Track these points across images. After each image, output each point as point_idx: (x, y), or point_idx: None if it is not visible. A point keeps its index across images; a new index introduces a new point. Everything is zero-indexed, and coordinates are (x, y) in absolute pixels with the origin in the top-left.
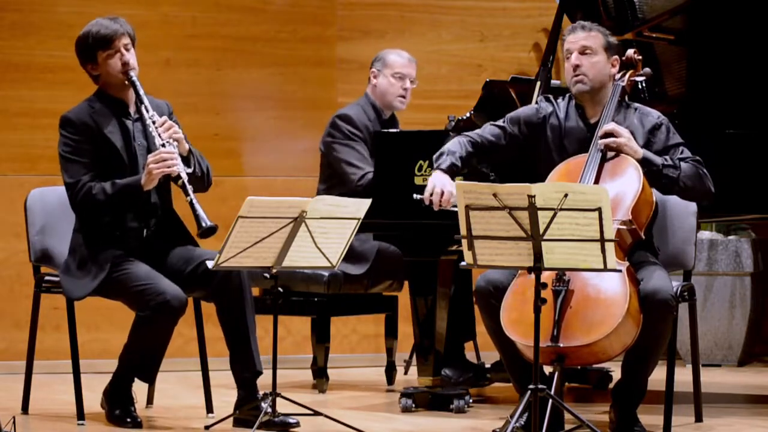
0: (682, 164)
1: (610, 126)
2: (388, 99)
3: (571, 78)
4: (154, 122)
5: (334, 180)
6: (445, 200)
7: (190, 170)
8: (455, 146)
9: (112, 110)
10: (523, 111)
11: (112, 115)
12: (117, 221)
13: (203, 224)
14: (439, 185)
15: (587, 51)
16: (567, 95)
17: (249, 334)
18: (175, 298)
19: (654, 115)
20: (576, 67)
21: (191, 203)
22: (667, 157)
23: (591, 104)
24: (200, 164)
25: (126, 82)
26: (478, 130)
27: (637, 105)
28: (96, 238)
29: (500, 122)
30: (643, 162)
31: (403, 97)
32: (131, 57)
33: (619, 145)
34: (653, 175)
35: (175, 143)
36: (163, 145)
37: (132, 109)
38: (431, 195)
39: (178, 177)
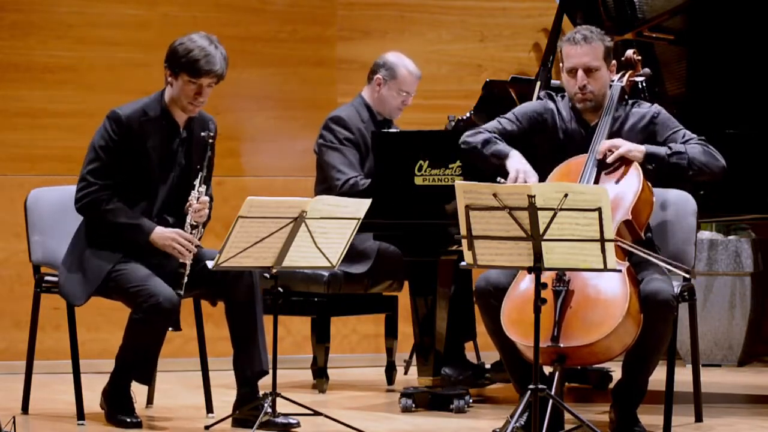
0: (688, 147)
1: (605, 146)
2: (387, 110)
3: (575, 94)
4: (198, 198)
5: (326, 183)
6: None
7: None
8: (488, 134)
9: (164, 125)
10: (530, 106)
11: (162, 131)
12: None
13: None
14: (522, 173)
15: (593, 68)
16: (567, 96)
17: (258, 332)
18: (167, 300)
19: (649, 107)
20: (583, 87)
21: (179, 296)
22: (671, 145)
23: (592, 109)
24: (207, 219)
25: (190, 108)
26: (494, 124)
27: (633, 101)
28: (100, 239)
29: (510, 116)
30: (649, 158)
31: (401, 109)
32: (206, 96)
33: (621, 154)
34: (662, 167)
35: (202, 228)
36: (193, 227)
37: (181, 127)
38: (516, 181)
39: (183, 266)
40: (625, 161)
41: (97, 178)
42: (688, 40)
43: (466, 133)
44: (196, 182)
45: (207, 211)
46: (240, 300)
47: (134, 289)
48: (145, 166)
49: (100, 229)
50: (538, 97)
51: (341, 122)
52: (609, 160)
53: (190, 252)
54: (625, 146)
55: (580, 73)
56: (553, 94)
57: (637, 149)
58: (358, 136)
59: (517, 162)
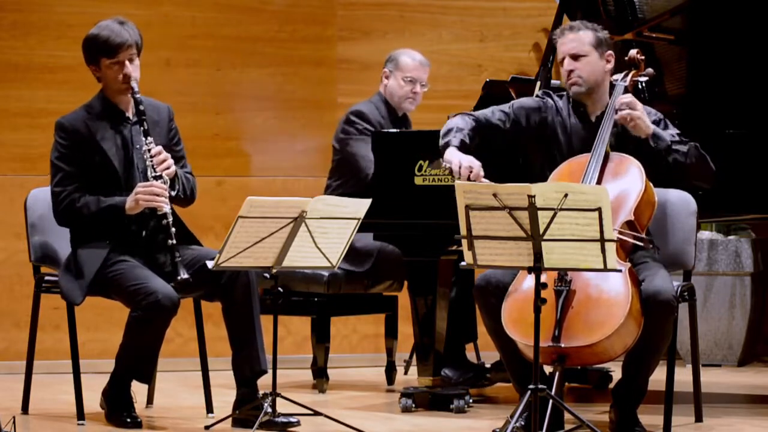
0: (689, 145)
1: (628, 98)
2: (397, 101)
3: (566, 82)
4: (149, 150)
5: (346, 176)
6: (474, 175)
7: (174, 193)
8: (462, 123)
9: (109, 116)
10: (528, 101)
11: (109, 121)
12: (115, 224)
13: (179, 276)
14: (465, 161)
15: (579, 54)
16: (565, 94)
17: (256, 332)
18: (166, 298)
19: (651, 112)
20: (570, 72)
21: (172, 248)
22: (674, 133)
23: (591, 102)
24: (185, 186)
25: (126, 92)
26: (484, 110)
27: None
28: (91, 239)
29: (506, 107)
30: (653, 137)
31: (412, 99)
32: (134, 69)
33: (634, 117)
34: (662, 151)
35: (167, 178)
36: (156, 178)
37: (130, 114)
38: (460, 168)
39: (165, 215)
40: (626, 159)
41: (65, 186)
42: (688, 40)
43: (450, 119)
44: (142, 135)
45: (170, 161)
46: (237, 300)
47: (133, 288)
48: (105, 161)
49: (84, 229)
50: (537, 96)
51: (362, 116)
52: (620, 115)
53: (160, 196)
54: (640, 111)
55: (566, 59)
56: (551, 92)
57: (648, 124)
58: (378, 129)
59: (453, 153)
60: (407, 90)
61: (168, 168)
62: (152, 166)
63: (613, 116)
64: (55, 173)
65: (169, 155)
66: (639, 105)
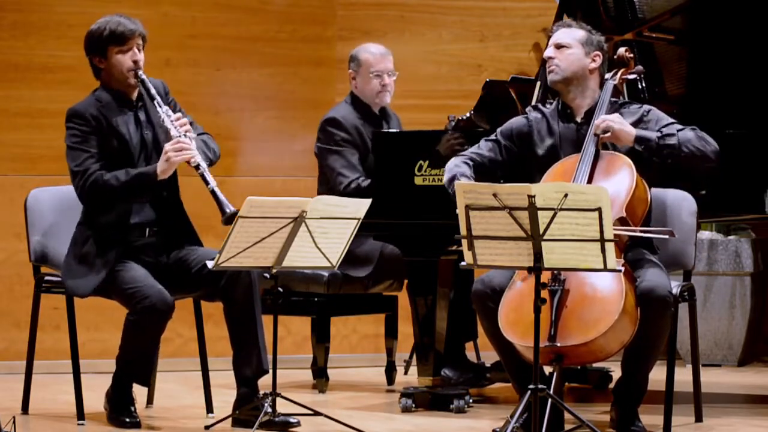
0: (679, 132)
1: (599, 119)
2: (370, 98)
3: (547, 70)
4: (169, 116)
5: (328, 185)
6: None
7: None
8: (462, 167)
9: (118, 103)
10: (514, 122)
11: (119, 107)
12: (121, 218)
13: (227, 210)
14: None
15: (562, 45)
16: (556, 98)
17: (257, 332)
18: (160, 301)
19: (639, 107)
20: (549, 59)
21: (213, 191)
22: (662, 129)
23: (572, 99)
24: (205, 149)
25: (133, 80)
26: (473, 148)
27: (623, 102)
28: (100, 233)
29: (493, 137)
30: (638, 140)
31: (384, 91)
32: (141, 60)
33: (611, 129)
34: (653, 151)
35: (192, 137)
36: (179, 137)
37: (134, 101)
38: None
39: (198, 166)
40: (616, 156)
41: (87, 165)
42: (688, 40)
43: (447, 166)
44: (157, 106)
45: (187, 122)
46: (238, 300)
47: (130, 290)
48: (122, 145)
49: (111, 202)
50: (524, 112)
51: (336, 124)
52: (596, 131)
53: (189, 148)
54: (616, 121)
55: (550, 48)
56: (538, 105)
57: (628, 130)
58: (355, 135)
59: None
60: (376, 84)
61: (189, 130)
62: (175, 127)
63: (603, 113)
64: (75, 156)
65: (187, 121)
66: (614, 116)
